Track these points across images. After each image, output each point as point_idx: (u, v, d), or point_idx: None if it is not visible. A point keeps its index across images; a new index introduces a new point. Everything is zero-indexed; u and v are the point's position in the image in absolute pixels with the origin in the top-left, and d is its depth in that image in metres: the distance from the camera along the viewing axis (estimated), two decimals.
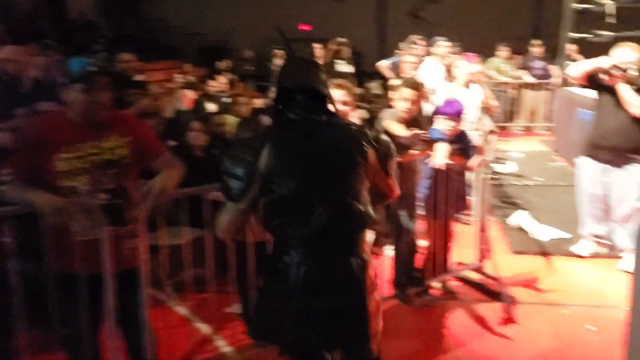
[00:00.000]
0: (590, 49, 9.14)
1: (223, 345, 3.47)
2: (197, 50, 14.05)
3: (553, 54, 9.79)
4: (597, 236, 4.78)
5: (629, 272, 4.49)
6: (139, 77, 5.71)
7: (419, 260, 4.10)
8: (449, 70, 5.89)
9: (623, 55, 4.27)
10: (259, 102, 6.45)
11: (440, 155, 3.79)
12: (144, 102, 4.93)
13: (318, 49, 8.14)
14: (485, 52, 11.00)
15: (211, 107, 6.30)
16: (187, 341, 3.46)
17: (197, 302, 3.76)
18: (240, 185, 2.00)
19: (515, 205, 6.12)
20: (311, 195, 1.98)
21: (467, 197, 4.21)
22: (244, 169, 1.99)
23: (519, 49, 11.09)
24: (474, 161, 4.00)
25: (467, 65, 5.42)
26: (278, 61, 10.05)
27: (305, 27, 16.66)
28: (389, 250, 4.28)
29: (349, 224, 2.02)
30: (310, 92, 2.10)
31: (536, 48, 10.42)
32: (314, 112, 2.09)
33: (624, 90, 4.24)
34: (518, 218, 5.48)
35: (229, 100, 6.14)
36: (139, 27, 14.28)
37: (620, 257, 4.61)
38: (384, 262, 4.19)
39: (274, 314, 2.08)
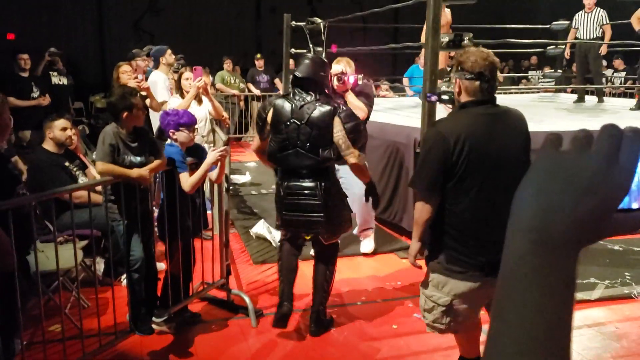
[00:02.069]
0: None
1: None
2: None
3: (278, 68, 10.31)
4: None
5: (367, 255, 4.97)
6: None
7: (159, 286, 3.78)
8: (175, 82, 5.66)
9: (341, 67, 4.66)
10: None
11: (186, 177, 3.58)
12: None
13: (24, 60, 7.15)
14: (211, 65, 11.13)
15: None
16: None
17: None
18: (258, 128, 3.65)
19: (254, 215, 6.19)
20: (293, 144, 3.44)
21: (207, 212, 4.04)
22: (260, 121, 3.60)
23: (245, 63, 11.48)
24: (213, 174, 3.85)
25: (196, 78, 5.25)
26: None
27: (11, 36, 14.83)
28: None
29: (314, 162, 3.44)
30: (307, 79, 3.51)
31: (259, 62, 10.88)
32: (308, 92, 3.49)
33: (351, 97, 4.61)
34: (259, 228, 5.53)
35: None
36: None
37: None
38: (122, 293, 3.77)
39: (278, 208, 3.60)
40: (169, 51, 6.45)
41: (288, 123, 3.44)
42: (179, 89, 5.35)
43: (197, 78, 5.17)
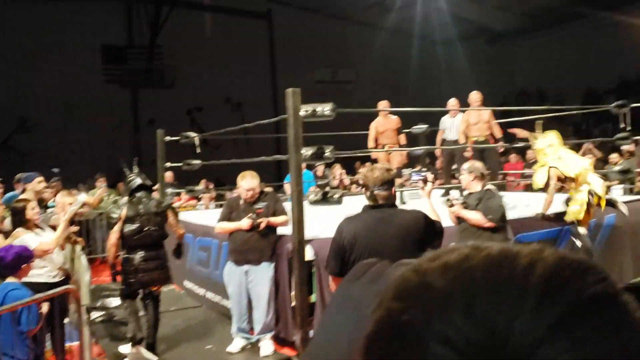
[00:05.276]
0: (185, 176, 9.87)
1: None
2: None
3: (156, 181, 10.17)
4: (243, 330, 5.26)
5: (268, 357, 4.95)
6: None
7: None
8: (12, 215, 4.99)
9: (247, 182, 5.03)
10: None
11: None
12: None
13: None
14: (86, 182, 10.80)
15: None
16: None
17: None
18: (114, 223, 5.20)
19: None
20: (146, 228, 5.08)
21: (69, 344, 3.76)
22: (113, 219, 5.18)
23: (123, 179, 11.24)
24: None
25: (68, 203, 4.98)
26: None
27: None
28: None
29: (159, 237, 5.20)
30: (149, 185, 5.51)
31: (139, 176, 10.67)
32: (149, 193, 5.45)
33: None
34: (126, 349, 5.19)
35: None
36: None
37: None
38: None
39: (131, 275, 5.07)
40: (39, 179, 6.03)
41: (140, 215, 5.02)
42: (24, 222, 4.63)
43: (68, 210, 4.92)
